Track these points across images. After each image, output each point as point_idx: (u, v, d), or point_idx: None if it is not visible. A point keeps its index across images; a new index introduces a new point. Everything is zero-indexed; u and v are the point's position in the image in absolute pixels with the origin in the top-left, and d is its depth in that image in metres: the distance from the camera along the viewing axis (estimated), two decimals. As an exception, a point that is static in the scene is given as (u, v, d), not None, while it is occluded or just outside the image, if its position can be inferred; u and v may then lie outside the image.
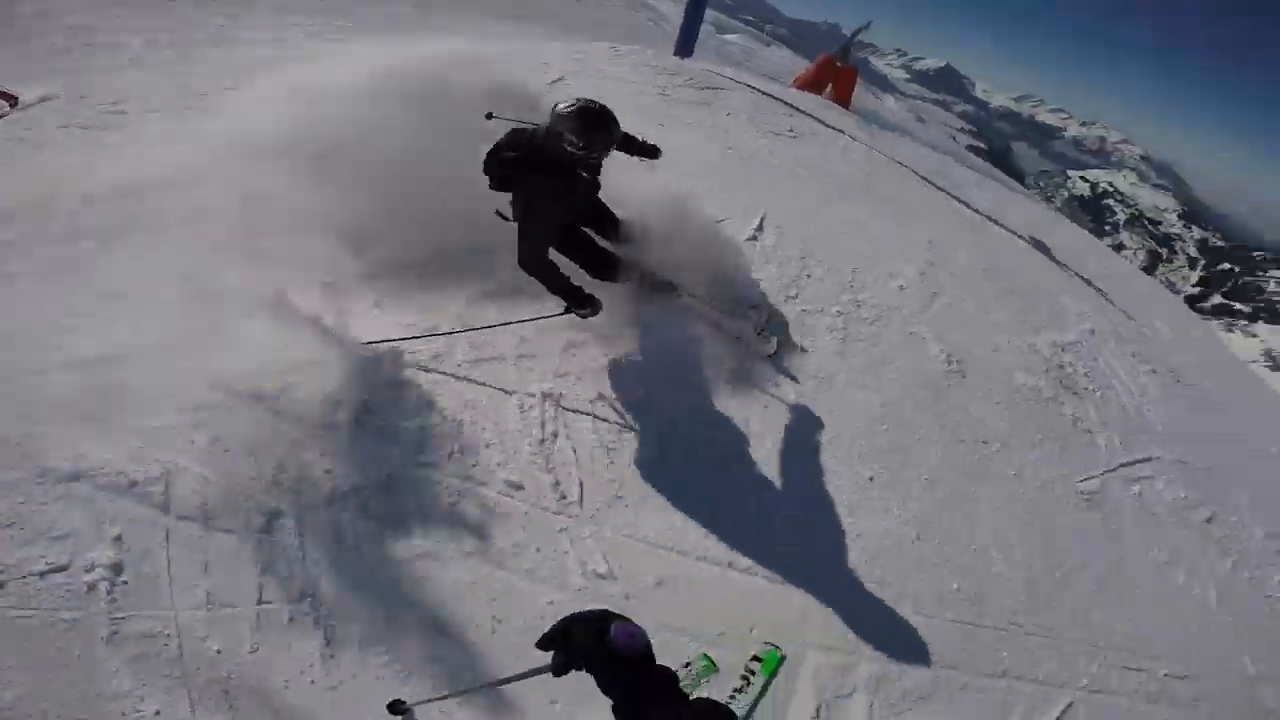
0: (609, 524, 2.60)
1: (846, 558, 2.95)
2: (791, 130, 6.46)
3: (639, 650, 0.95)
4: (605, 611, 0.99)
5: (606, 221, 3.11)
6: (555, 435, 2.77)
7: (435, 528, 2.39)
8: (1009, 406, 4.10)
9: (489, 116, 2.72)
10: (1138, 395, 5.17)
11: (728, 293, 3.64)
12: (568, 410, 2.88)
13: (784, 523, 2.94)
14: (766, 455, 3.13)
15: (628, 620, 0.97)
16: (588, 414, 2.90)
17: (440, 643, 2.22)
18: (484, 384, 2.85)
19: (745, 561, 2.74)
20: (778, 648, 2.52)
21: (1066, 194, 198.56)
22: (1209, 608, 3.85)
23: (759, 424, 3.25)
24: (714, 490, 2.90)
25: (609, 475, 2.75)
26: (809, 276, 4.19)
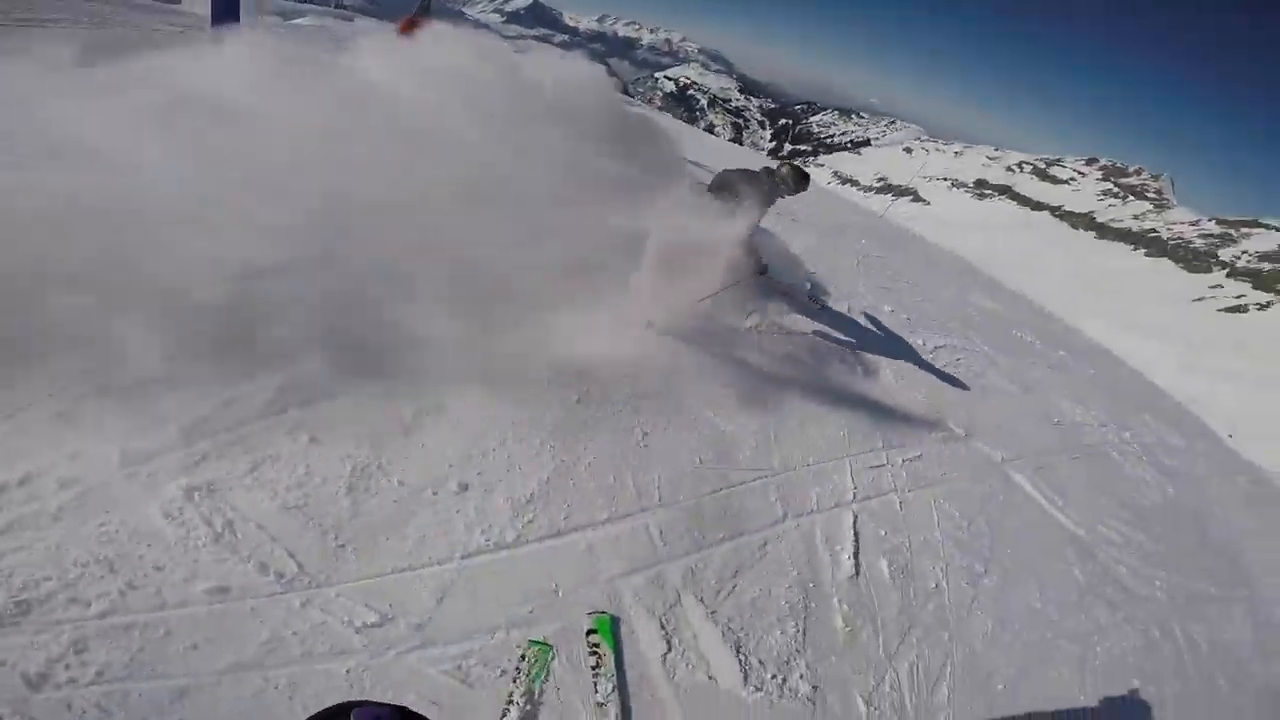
0: (350, 573, 2.31)
1: (590, 477, 2.97)
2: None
3: None
4: (344, 703, 1.00)
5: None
6: (229, 523, 2.29)
7: (174, 661, 1.97)
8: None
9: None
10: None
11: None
12: (226, 491, 2.37)
13: (523, 478, 2.83)
14: (461, 427, 2.92)
15: (367, 702, 0.99)
16: (250, 484, 2.42)
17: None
18: (110, 510, 2.19)
19: (509, 535, 2.61)
20: (604, 612, 2.49)
21: (660, 93, 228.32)
22: (889, 384, 4.83)
23: (440, 402, 3.02)
24: (436, 485, 2.68)
25: (316, 530, 2.38)
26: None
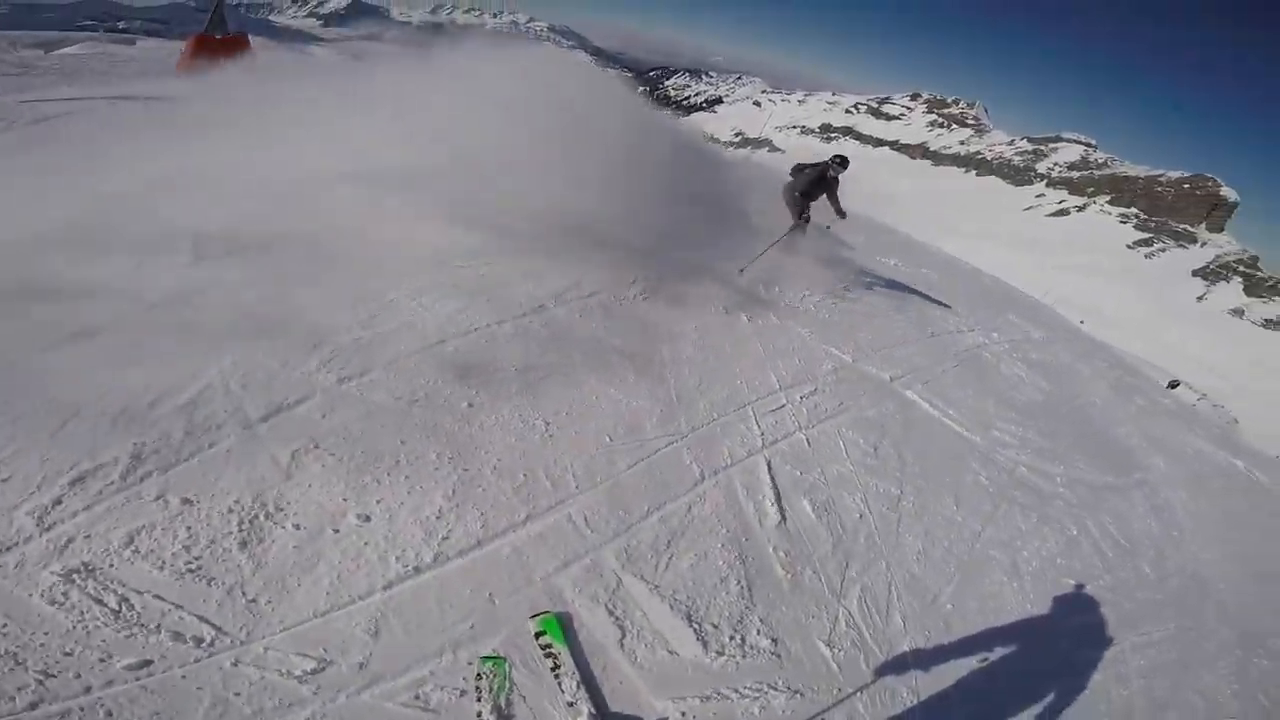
0: (271, 625, 2.16)
1: (500, 479, 2.85)
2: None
3: None
4: None
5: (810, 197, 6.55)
6: (123, 599, 2.09)
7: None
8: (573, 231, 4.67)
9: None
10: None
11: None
12: (108, 569, 2.15)
13: (426, 496, 2.69)
14: (345, 459, 2.71)
15: None
16: (131, 557, 2.20)
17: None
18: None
19: (427, 556, 2.48)
20: (547, 612, 2.42)
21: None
22: (773, 325, 4.97)
23: (314, 438, 2.79)
24: (335, 522, 2.49)
25: (220, 590, 2.20)
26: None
